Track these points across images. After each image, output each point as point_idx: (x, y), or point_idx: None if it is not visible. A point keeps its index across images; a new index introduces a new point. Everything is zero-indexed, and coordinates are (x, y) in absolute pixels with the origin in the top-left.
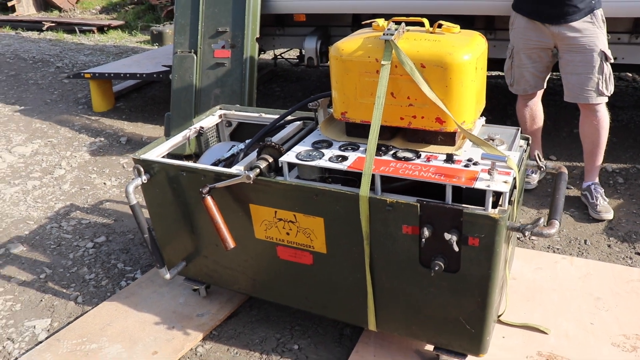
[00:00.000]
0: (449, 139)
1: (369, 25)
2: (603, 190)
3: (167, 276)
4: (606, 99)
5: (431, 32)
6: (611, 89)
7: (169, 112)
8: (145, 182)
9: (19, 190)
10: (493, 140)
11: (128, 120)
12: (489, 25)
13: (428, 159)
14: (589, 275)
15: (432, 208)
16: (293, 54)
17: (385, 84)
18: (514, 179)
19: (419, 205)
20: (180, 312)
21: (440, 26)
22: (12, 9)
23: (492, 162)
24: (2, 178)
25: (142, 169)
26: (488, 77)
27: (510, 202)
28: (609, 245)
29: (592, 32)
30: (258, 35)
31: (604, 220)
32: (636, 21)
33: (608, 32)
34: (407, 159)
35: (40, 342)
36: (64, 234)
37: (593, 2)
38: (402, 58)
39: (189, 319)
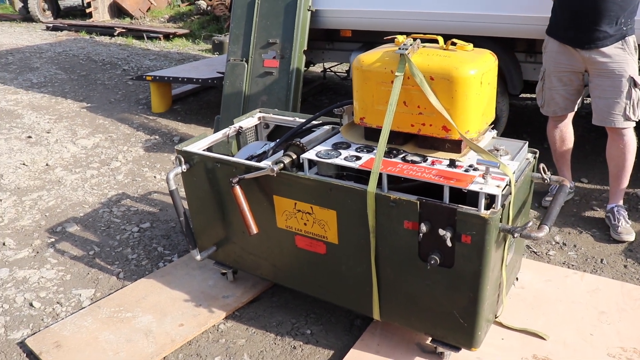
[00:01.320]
0: (455, 146)
1: (392, 40)
2: (627, 213)
3: (198, 257)
4: (633, 124)
5: (444, 49)
6: (639, 114)
7: (219, 115)
8: (185, 171)
9: (79, 178)
10: (498, 150)
11: (182, 121)
12: (529, 49)
13: (433, 163)
14: (597, 291)
15: (430, 206)
16: (342, 67)
17: (398, 93)
18: (508, 184)
19: (418, 202)
20: (208, 293)
21: (454, 44)
22: (90, 15)
23: (487, 167)
24: (65, 166)
25: (182, 159)
26: (527, 99)
27: (503, 206)
28: (625, 266)
29: (623, 58)
30: (306, 48)
31: (625, 241)
32: None
33: None
34: (413, 162)
35: (84, 308)
36: (114, 218)
37: (625, 28)
38: (414, 70)
39: (215, 299)
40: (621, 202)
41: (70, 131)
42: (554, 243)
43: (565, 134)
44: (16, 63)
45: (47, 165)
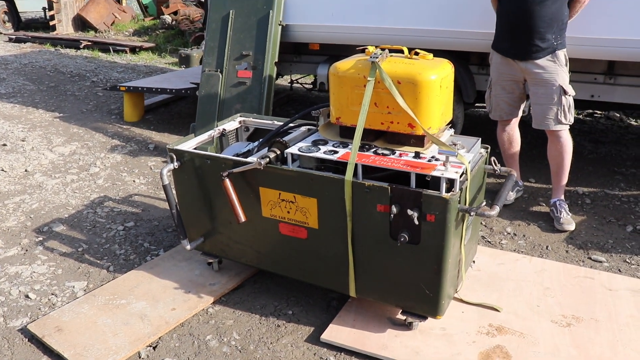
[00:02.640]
0: (419, 141)
1: (363, 50)
2: (567, 206)
3: (188, 247)
4: (567, 127)
5: (409, 58)
6: (570, 118)
7: (194, 123)
8: (177, 167)
9: (59, 182)
10: (455, 145)
11: (156, 130)
12: (482, 62)
13: (400, 155)
14: (543, 271)
15: (399, 190)
16: (308, 80)
17: (370, 95)
18: (465, 171)
19: (389, 188)
20: (196, 281)
21: (417, 53)
22: (53, 28)
23: (446, 156)
24: (45, 172)
25: (174, 157)
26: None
27: (460, 189)
28: (566, 251)
29: (554, 69)
30: (276, 60)
31: (566, 231)
32: (610, 64)
33: (585, 72)
34: (384, 155)
35: (79, 297)
36: (99, 218)
37: (555, 43)
38: (383, 75)
39: (202, 287)
40: (562, 197)
41: (46, 139)
42: (505, 234)
43: (512, 136)
44: None
45: (26, 171)
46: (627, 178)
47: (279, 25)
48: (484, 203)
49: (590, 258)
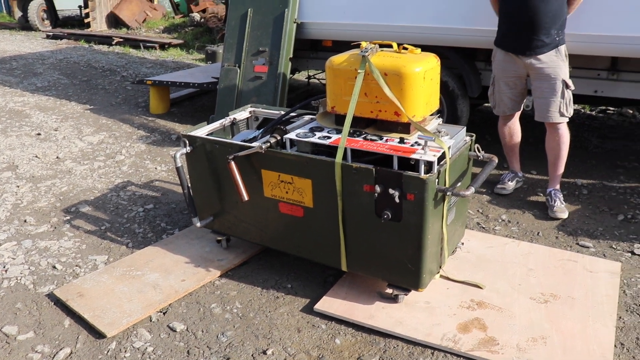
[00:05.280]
0: (405, 128)
1: (358, 45)
2: (562, 196)
3: (198, 224)
4: (567, 119)
5: (397, 52)
6: (571, 111)
7: (213, 115)
8: (189, 152)
9: (87, 169)
10: (440, 132)
11: (179, 122)
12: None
13: (387, 140)
14: (529, 254)
15: (383, 172)
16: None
17: (360, 86)
18: (443, 154)
19: (374, 169)
20: (206, 257)
21: (405, 48)
22: (88, 25)
23: (426, 141)
24: (74, 159)
25: (187, 142)
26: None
27: (438, 171)
28: (556, 237)
29: (556, 63)
30: (291, 56)
31: (559, 219)
32: (613, 60)
33: (588, 68)
34: (372, 140)
35: (99, 269)
36: (121, 201)
37: (557, 39)
38: (372, 68)
39: (211, 262)
40: (558, 187)
41: (76, 129)
42: (500, 220)
43: (513, 130)
44: (20, 68)
45: (57, 157)
46: (628, 171)
47: (294, 23)
48: (459, 184)
49: (578, 244)
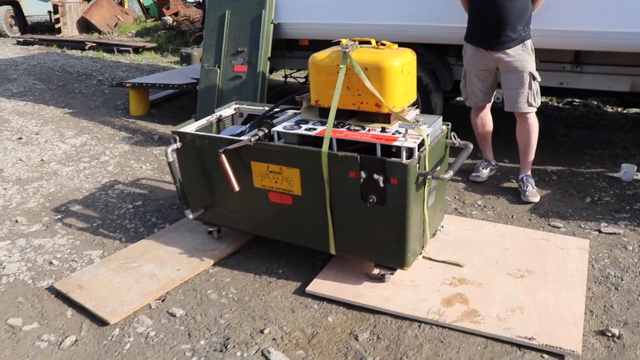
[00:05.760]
0: (385, 119)
1: (338, 43)
2: (534, 181)
3: (190, 216)
4: (535, 109)
5: (376, 48)
6: (538, 101)
7: (195, 114)
8: (179, 147)
9: (73, 170)
10: (418, 121)
11: (160, 123)
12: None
13: (369, 130)
14: (505, 235)
15: (367, 159)
16: (301, 74)
17: (342, 80)
18: (422, 141)
19: (359, 157)
20: (198, 248)
21: (383, 44)
22: (59, 30)
23: (406, 129)
24: (59, 161)
25: (177, 138)
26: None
27: (419, 157)
28: (529, 219)
29: (523, 57)
30: (269, 55)
31: (531, 202)
32: (576, 53)
33: (554, 62)
34: (355, 130)
35: (96, 262)
36: (110, 199)
37: (523, 34)
38: (353, 63)
39: (204, 252)
40: (529, 173)
41: (58, 132)
42: (476, 206)
43: (485, 120)
44: None
45: (42, 160)
46: (594, 158)
47: (271, 23)
48: (438, 168)
49: (549, 224)
